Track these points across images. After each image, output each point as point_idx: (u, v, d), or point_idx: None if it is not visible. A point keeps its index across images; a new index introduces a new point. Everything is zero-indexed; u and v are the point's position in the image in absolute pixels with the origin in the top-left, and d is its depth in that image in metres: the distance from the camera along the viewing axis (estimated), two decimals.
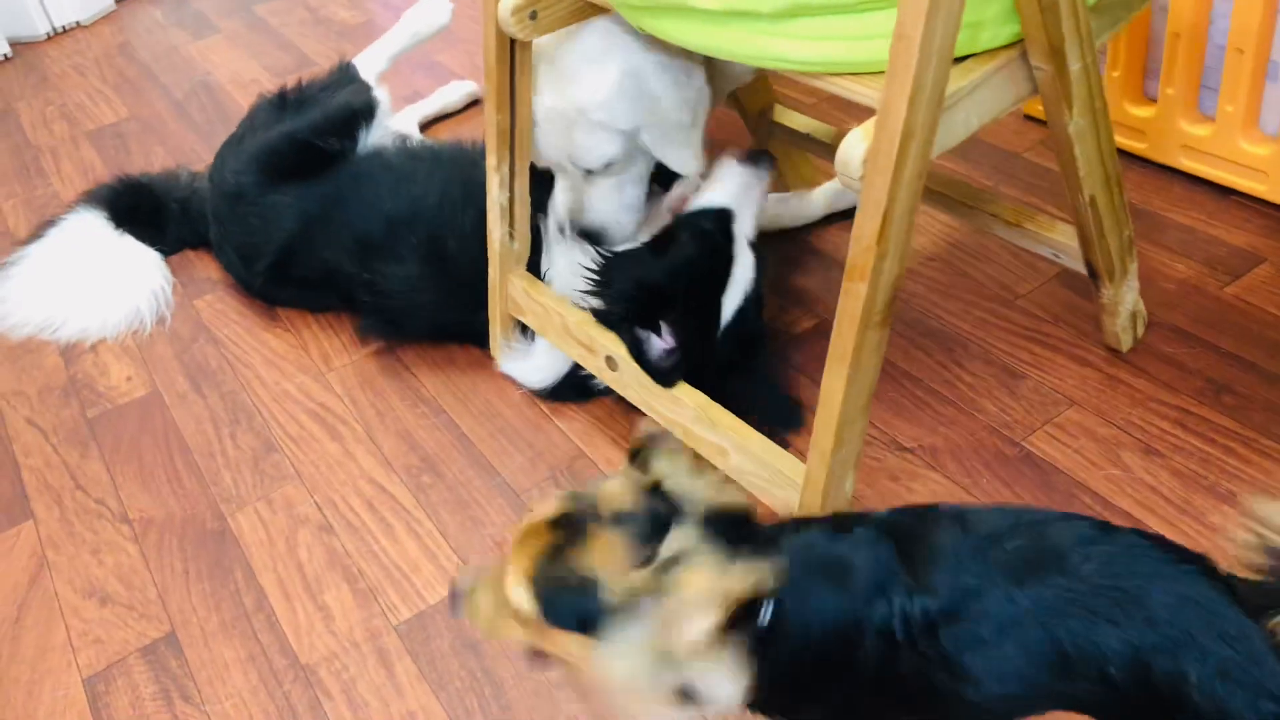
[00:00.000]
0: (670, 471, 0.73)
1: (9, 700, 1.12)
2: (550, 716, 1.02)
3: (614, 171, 1.22)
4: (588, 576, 0.67)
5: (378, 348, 1.50)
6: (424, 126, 1.96)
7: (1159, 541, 0.71)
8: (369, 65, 1.84)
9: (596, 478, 1.08)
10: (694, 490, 0.72)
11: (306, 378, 1.48)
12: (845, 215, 1.57)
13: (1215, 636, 0.65)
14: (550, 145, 1.23)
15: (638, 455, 0.75)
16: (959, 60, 0.86)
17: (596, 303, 1.21)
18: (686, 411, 1.13)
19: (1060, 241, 1.15)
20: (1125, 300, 1.21)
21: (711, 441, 1.11)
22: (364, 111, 1.72)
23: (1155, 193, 1.51)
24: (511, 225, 1.28)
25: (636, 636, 0.65)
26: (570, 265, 1.29)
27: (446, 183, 1.43)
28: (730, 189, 1.21)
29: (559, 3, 1.07)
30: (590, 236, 1.25)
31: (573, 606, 0.68)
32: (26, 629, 1.20)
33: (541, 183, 1.31)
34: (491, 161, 1.22)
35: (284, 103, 1.77)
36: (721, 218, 1.20)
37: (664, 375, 1.17)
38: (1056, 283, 1.39)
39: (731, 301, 1.22)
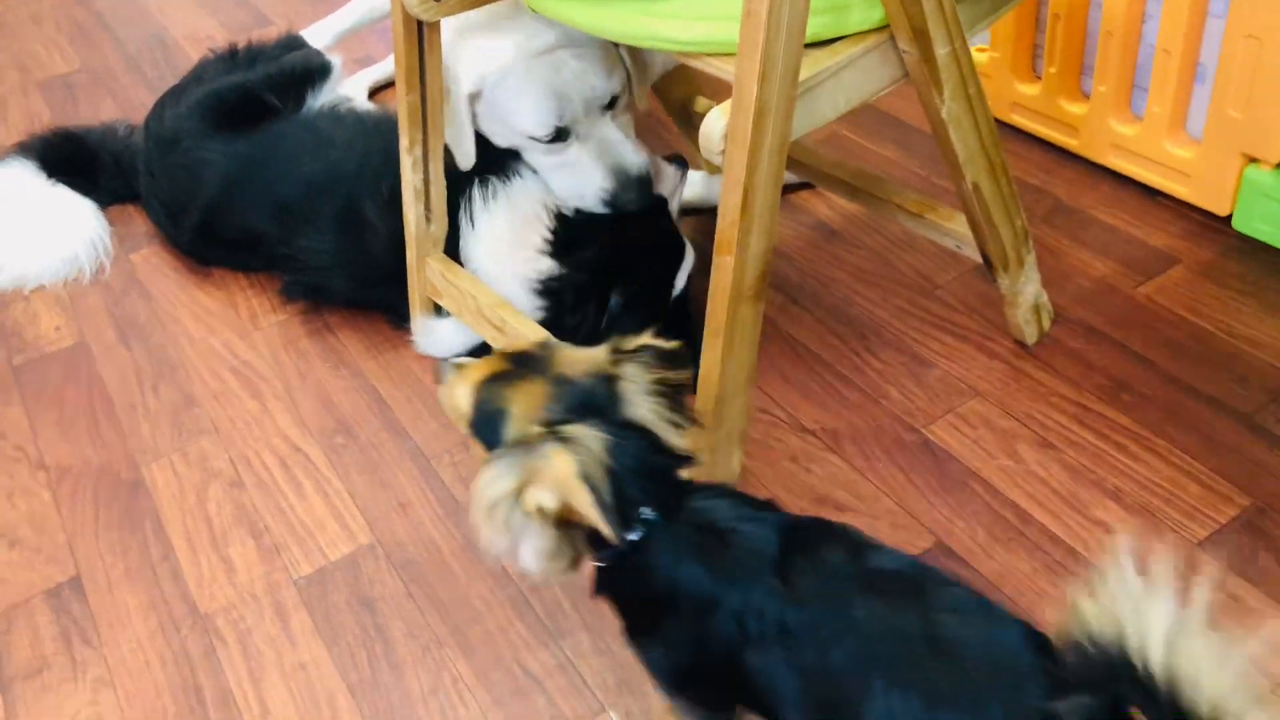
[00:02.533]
0: (634, 379, 0.83)
1: None
2: (435, 674, 1.10)
3: (620, 105, 1.31)
4: (503, 408, 0.80)
5: (304, 308, 1.58)
6: (374, 92, 2.04)
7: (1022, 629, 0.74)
8: (317, 38, 1.93)
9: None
10: (641, 404, 0.82)
11: (232, 335, 1.57)
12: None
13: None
14: (567, 89, 1.25)
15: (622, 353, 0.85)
16: (829, 42, 0.94)
17: (552, 263, 1.29)
18: None
19: (960, 232, 1.23)
20: (1025, 292, 1.29)
21: None
22: (318, 72, 1.80)
23: (1084, 191, 1.59)
24: (428, 207, 1.36)
25: (505, 474, 0.75)
26: (500, 235, 1.37)
27: (367, 150, 1.51)
28: (664, 183, 1.34)
29: None
30: (647, 194, 1.31)
31: (486, 425, 0.81)
32: None
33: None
34: (405, 143, 1.29)
35: (234, 59, 1.85)
36: (662, 205, 1.32)
37: (612, 335, 1.27)
38: (975, 274, 1.47)
39: (680, 281, 1.33)
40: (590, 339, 1.24)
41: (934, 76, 0.98)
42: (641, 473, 0.78)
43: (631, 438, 0.79)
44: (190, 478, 1.36)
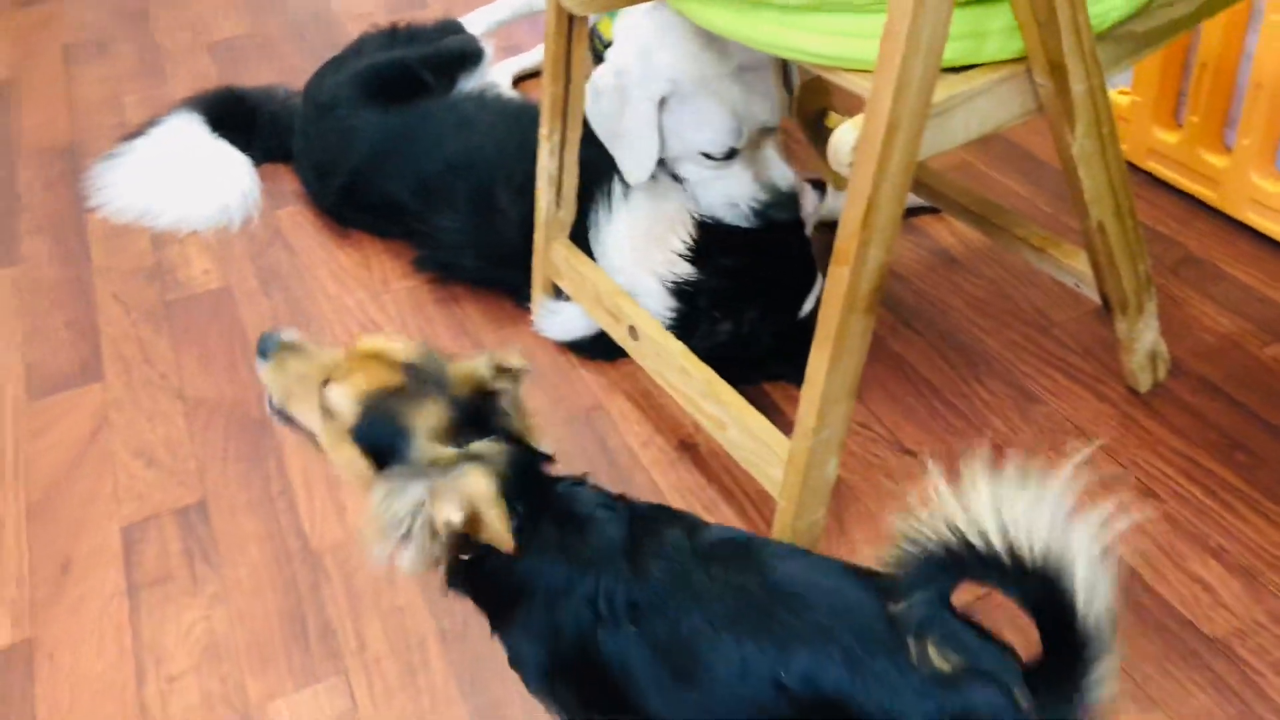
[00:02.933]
0: (508, 392, 0.89)
1: (56, 535, 1.33)
2: None
3: (774, 131, 1.37)
4: (406, 426, 0.84)
5: (434, 277, 1.67)
6: (518, 80, 2.13)
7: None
8: (474, 24, 2.04)
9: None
10: (514, 414, 0.89)
11: (365, 294, 1.67)
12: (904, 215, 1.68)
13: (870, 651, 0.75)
14: (753, 108, 1.32)
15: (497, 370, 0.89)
16: (963, 69, 0.98)
17: (690, 267, 1.35)
18: (695, 383, 1.26)
19: (1081, 271, 1.24)
20: (1142, 338, 1.29)
21: (713, 414, 1.24)
22: (471, 57, 1.91)
23: (1218, 245, 1.57)
24: (559, 193, 1.43)
25: (413, 491, 0.80)
26: (636, 231, 1.43)
27: (506, 137, 1.59)
28: (804, 206, 1.39)
29: None
30: (795, 207, 1.38)
31: (381, 440, 0.84)
32: (81, 475, 1.41)
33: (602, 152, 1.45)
34: (544, 130, 1.37)
35: (394, 37, 1.98)
36: (799, 228, 1.38)
37: (740, 345, 1.33)
38: (1093, 316, 1.48)
39: (808, 305, 1.38)
40: (716, 347, 1.30)
41: (1068, 112, 1.00)
42: (520, 477, 0.84)
43: (511, 448, 0.85)
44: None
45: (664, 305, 1.37)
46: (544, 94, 1.36)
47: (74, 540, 1.32)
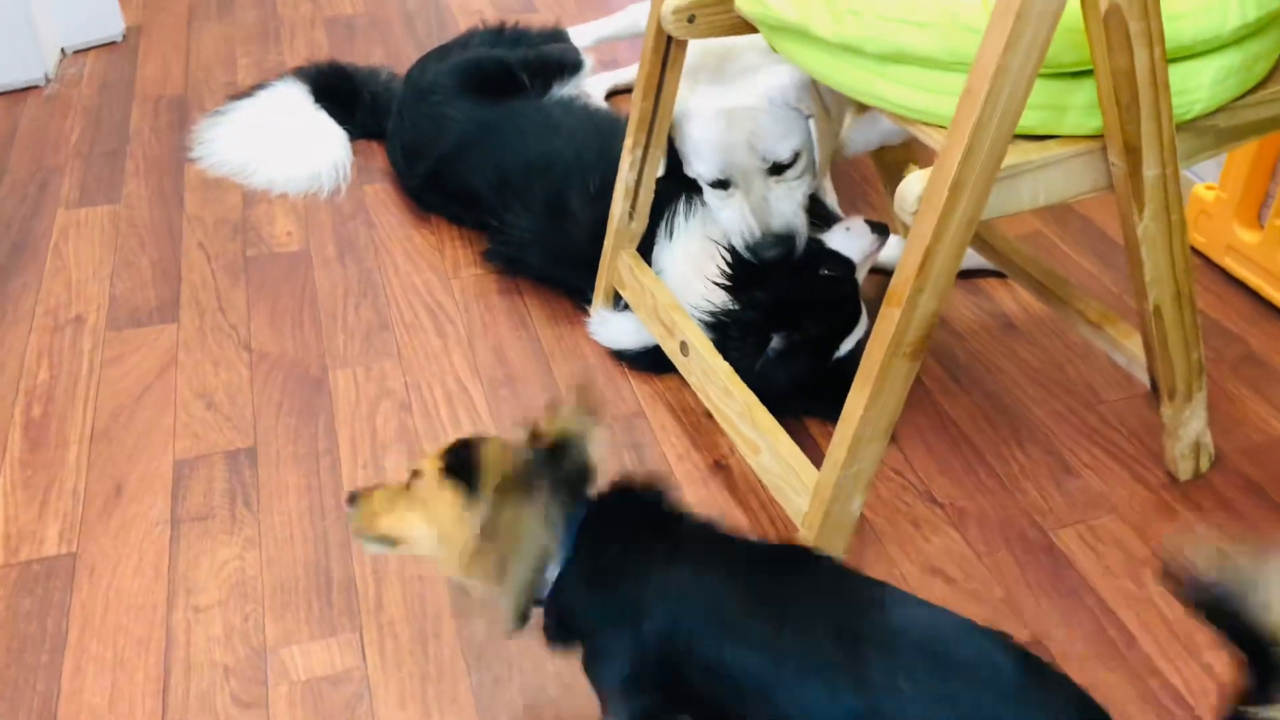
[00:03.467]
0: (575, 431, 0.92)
1: (114, 459, 1.41)
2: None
3: (794, 170, 1.40)
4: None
5: (500, 269, 1.73)
6: (610, 94, 2.19)
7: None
8: (580, 36, 2.11)
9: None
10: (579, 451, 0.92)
11: (434, 276, 1.73)
12: (967, 275, 1.70)
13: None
14: (735, 147, 1.38)
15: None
16: (1040, 138, 1.00)
17: (724, 295, 1.39)
18: (735, 405, 1.30)
19: (1133, 351, 1.25)
20: (1188, 426, 1.30)
21: (749, 437, 1.28)
22: (570, 66, 1.98)
23: None
24: (633, 205, 1.48)
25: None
26: (690, 255, 1.48)
27: (586, 145, 1.65)
28: (858, 246, 1.40)
29: (716, 13, 1.26)
30: (783, 250, 1.41)
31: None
32: (145, 407, 1.49)
33: (674, 175, 1.50)
34: (629, 143, 1.42)
35: (500, 36, 2.06)
36: (848, 266, 1.39)
37: (764, 376, 1.35)
38: (1143, 400, 1.48)
39: (847, 345, 1.40)
40: (752, 376, 1.33)
41: (1137, 194, 1.03)
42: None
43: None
44: (367, 390, 1.52)
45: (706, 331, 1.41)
46: (633, 109, 1.41)
47: (129, 466, 1.40)
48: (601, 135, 1.66)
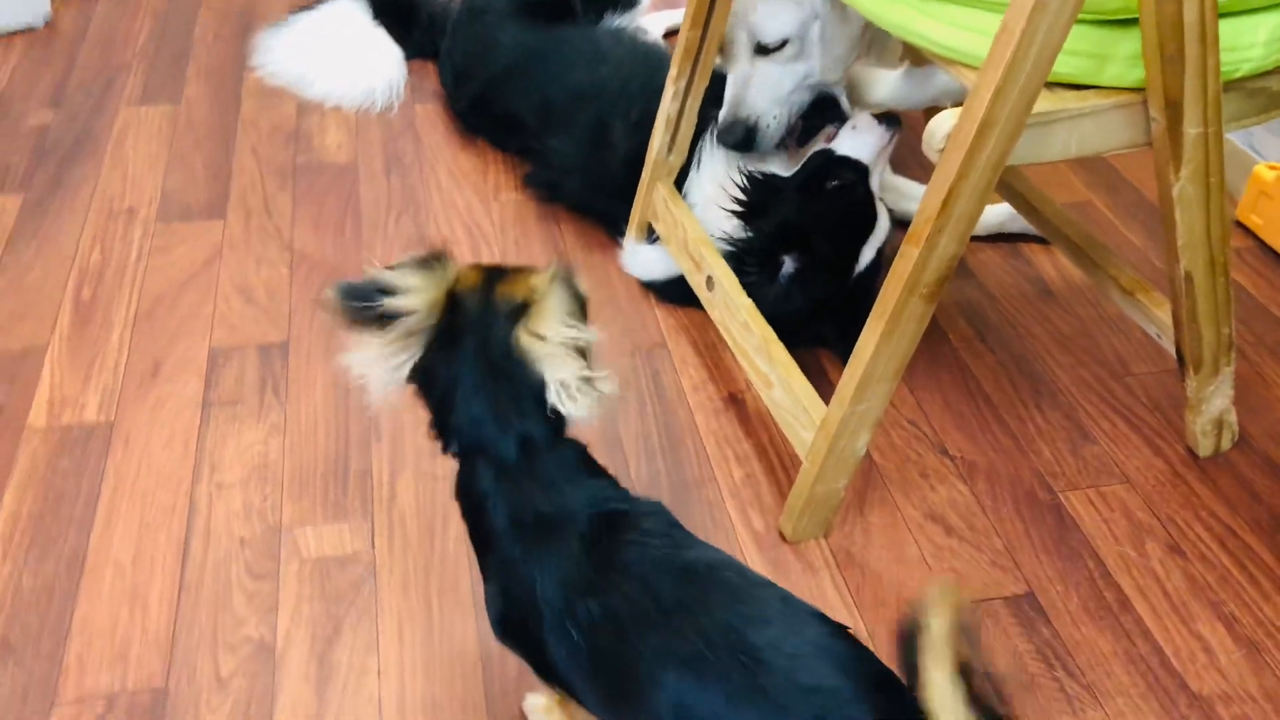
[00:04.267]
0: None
1: (154, 341, 1.47)
2: None
3: (782, 58, 1.41)
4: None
5: (539, 195, 1.76)
6: (668, 34, 2.20)
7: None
8: None
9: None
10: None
11: (474, 197, 1.77)
12: (1010, 238, 1.71)
13: None
14: (735, 13, 1.40)
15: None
16: (1079, 87, 1.01)
17: (737, 223, 1.42)
18: (753, 339, 1.32)
19: (1163, 321, 1.25)
20: (1211, 401, 1.30)
21: (763, 372, 1.30)
22: (624, 1, 2.00)
23: None
24: (673, 138, 1.50)
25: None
26: (715, 184, 1.50)
27: (632, 75, 1.67)
28: (868, 144, 1.41)
29: None
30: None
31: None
32: (187, 296, 1.55)
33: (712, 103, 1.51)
34: (673, 73, 1.44)
35: None
36: (860, 170, 1.39)
37: (778, 302, 1.37)
38: (1172, 376, 1.48)
39: (868, 254, 1.41)
40: (767, 304, 1.35)
41: (1175, 152, 1.03)
42: (496, 396, 0.82)
43: (503, 364, 0.82)
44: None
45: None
46: (680, 37, 1.43)
47: (168, 349, 1.46)
48: (648, 66, 1.68)
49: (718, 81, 1.49)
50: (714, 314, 1.42)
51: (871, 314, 1.09)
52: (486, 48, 1.85)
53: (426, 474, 1.30)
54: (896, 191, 1.68)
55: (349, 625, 1.13)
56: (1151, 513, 1.31)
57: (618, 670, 0.80)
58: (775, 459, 1.34)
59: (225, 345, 1.47)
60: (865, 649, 0.78)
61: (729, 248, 1.42)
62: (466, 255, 1.65)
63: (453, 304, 0.84)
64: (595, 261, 1.64)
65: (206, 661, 1.08)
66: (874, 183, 1.41)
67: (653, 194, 1.55)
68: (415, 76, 2.06)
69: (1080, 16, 0.95)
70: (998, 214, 1.69)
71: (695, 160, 1.53)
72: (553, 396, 0.82)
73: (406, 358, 0.84)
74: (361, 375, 0.85)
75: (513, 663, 1.10)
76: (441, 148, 1.89)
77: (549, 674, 0.88)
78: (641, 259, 1.59)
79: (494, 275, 0.86)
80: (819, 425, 1.18)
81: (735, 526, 1.26)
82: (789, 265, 1.38)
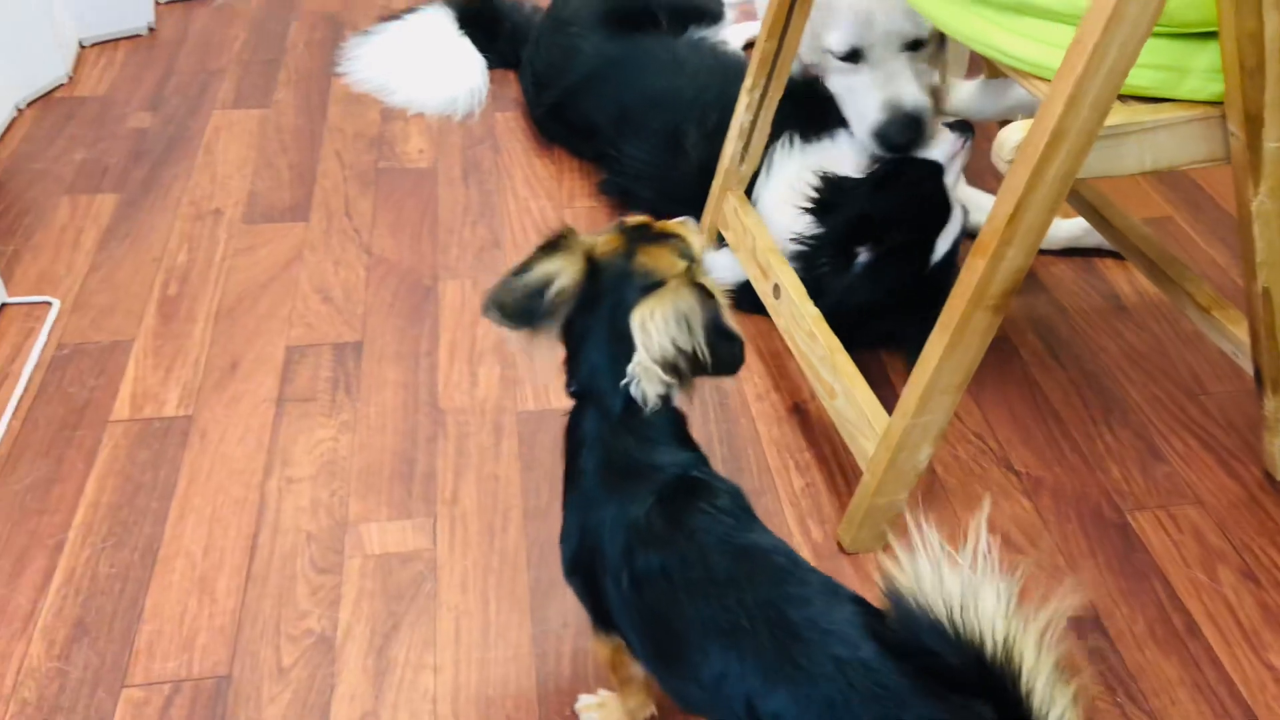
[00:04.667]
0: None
1: (234, 338, 1.51)
2: None
3: (925, 52, 1.42)
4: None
5: (614, 203, 1.77)
6: (748, 46, 2.19)
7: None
8: None
9: None
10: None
11: (549, 204, 1.78)
12: (1084, 253, 1.66)
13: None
14: (874, 14, 1.40)
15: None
16: (1155, 100, 0.98)
17: (810, 221, 1.40)
18: (818, 349, 1.31)
19: (1241, 339, 1.21)
20: None
21: (827, 381, 1.29)
22: (709, 14, 2.00)
23: None
24: (746, 147, 1.49)
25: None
26: (787, 186, 1.49)
27: (708, 84, 1.66)
28: (942, 148, 1.39)
29: None
30: (912, 131, 1.44)
31: None
32: (267, 295, 1.59)
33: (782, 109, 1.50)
34: (748, 83, 1.43)
35: None
36: (935, 169, 1.38)
37: (851, 293, 1.36)
38: (1250, 395, 1.42)
39: (943, 245, 1.39)
40: (839, 294, 1.34)
41: (1255, 167, 0.99)
42: (616, 355, 0.88)
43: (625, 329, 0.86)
44: (472, 302, 1.58)
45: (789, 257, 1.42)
46: (756, 48, 1.42)
47: (246, 346, 1.49)
48: (725, 75, 1.67)
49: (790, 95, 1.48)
50: (779, 322, 1.41)
51: (937, 325, 1.07)
52: (567, 56, 1.86)
53: (489, 476, 1.31)
54: (970, 204, 1.64)
55: (408, 621, 1.14)
56: (1224, 537, 1.26)
57: (667, 630, 0.83)
58: (836, 469, 1.32)
59: (301, 343, 1.50)
60: (899, 623, 0.75)
61: (801, 245, 1.41)
62: None
63: (593, 269, 0.91)
64: None
65: (269, 651, 1.11)
66: (949, 179, 1.39)
67: (723, 202, 1.55)
68: (496, 85, 2.09)
69: (1157, 29, 0.92)
70: (1070, 228, 1.65)
71: (765, 165, 1.52)
72: (629, 373, 0.87)
73: (558, 326, 0.92)
74: (524, 354, 0.93)
75: (566, 666, 1.10)
76: (519, 155, 1.90)
77: (605, 621, 0.93)
78: (716, 264, 1.58)
79: (635, 239, 0.92)
80: (881, 436, 1.16)
81: (794, 535, 1.24)
82: (864, 255, 1.36)
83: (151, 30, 2.27)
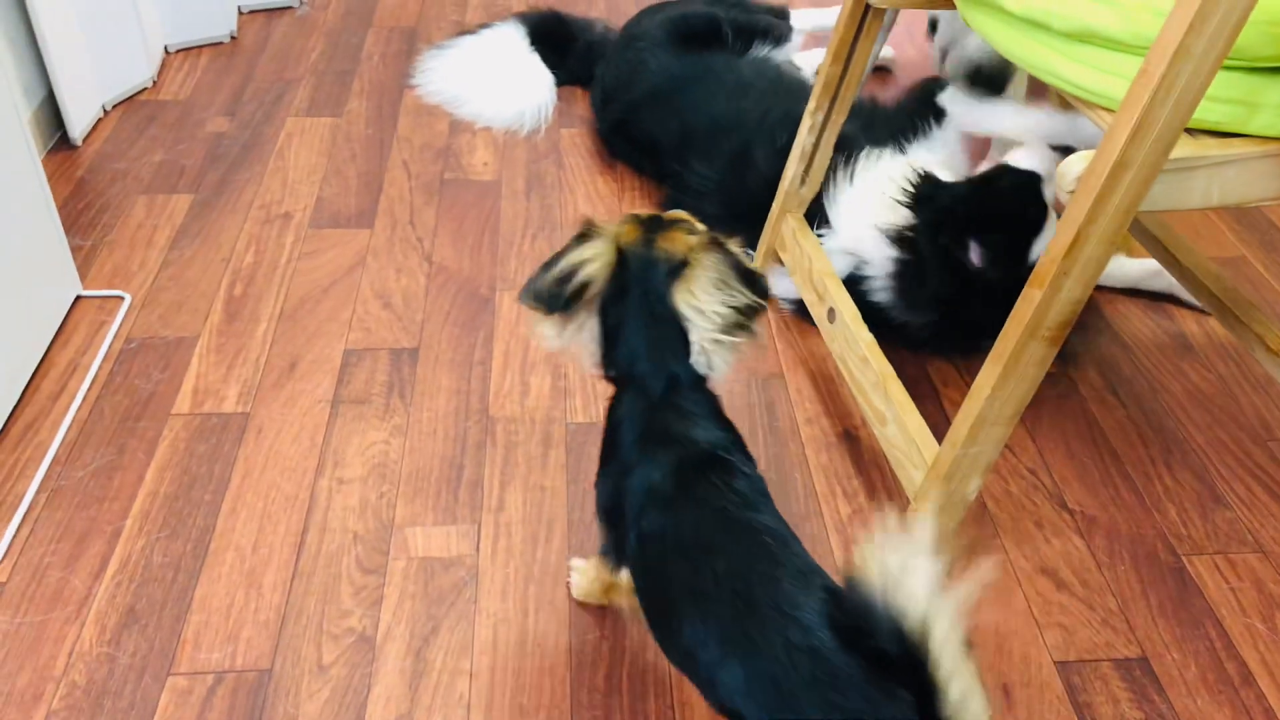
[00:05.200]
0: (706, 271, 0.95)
1: (294, 339, 1.54)
2: None
3: None
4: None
5: None
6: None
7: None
8: (800, 20, 2.12)
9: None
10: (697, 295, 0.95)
11: (610, 220, 1.79)
12: (1151, 296, 1.62)
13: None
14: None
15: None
16: (1226, 135, 0.95)
17: (908, 213, 1.39)
18: (870, 375, 1.29)
19: None
20: None
21: (879, 408, 1.27)
22: (776, 36, 2.00)
23: None
24: (807, 170, 1.48)
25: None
26: (871, 187, 1.49)
27: (773, 105, 1.66)
28: (1041, 161, 1.38)
29: None
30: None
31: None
32: (329, 298, 1.62)
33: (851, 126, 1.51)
34: (811, 106, 1.42)
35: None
36: (1034, 178, 1.37)
37: (958, 287, 1.36)
38: None
39: (1039, 249, 1.37)
40: (942, 287, 1.35)
41: None
42: (653, 338, 0.95)
43: (662, 313, 0.94)
44: (527, 313, 1.59)
45: (886, 254, 1.42)
46: (821, 72, 1.41)
47: (306, 348, 1.52)
48: (790, 96, 1.67)
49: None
50: (833, 347, 1.40)
51: (990, 355, 1.05)
52: (633, 72, 1.88)
53: (535, 486, 1.31)
54: None
55: (447, 626, 1.15)
56: None
57: (660, 590, 0.89)
58: (885, 498, 1.31)
59: (359, 347, 1.53)
60: (866, 617, 0.74)
61: (900, 235, 1.40)
62: None
63: (621, 259, 0.97)
64: None
65: (310, 648, 1.12)
66: (1047, 193, 1.37)
67: (781, 224, 1.54)
68: (564, 102, 2.11)
69: (1228, 63, 0.90)
70: (1139, 267, 1.61)
71: (847, 176, 1.52)
72: (694, 353, 0.95)
73: (593, 313, 0.98)
74: (558, 345, 0.99)
75: (601, 679, 1.10)
76: (582, 172, 1.92)
77: (619, 559, 1.01)
78: (786, 282, 1.58)
79: (651, 228, 0.99)
80: (930, 465, 1.14)
81: (838, 563, 1.23)
82: (976, 245, 1.34)
83: (233, 38, 2.34)
